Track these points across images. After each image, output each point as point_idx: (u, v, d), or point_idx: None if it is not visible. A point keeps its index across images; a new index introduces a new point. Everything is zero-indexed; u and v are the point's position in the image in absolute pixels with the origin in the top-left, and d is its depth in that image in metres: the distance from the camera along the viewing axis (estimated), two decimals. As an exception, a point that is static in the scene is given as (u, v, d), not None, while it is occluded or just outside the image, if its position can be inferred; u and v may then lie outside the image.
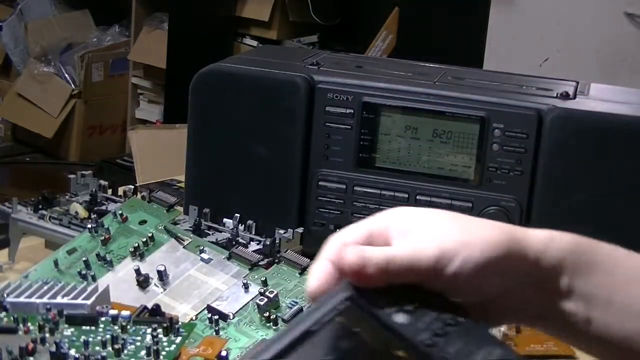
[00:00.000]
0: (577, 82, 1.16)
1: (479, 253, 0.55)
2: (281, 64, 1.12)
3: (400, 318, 0.54)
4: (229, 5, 3.28)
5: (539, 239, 0.57)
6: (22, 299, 0.86)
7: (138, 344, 0.81)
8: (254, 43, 3.27)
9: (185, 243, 0.99)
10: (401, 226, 0.57)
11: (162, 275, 0.94)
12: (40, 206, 1.09)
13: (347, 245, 0.56)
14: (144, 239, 0.99)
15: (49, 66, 3.75)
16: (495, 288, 0.56)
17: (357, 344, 0.53)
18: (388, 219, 0.58)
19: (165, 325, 0.82)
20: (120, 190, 1.17)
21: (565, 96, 1.07)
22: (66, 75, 3.75)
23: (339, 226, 1.08)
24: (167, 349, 0.80)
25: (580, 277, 0.57)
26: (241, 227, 1.06)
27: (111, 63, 3.77)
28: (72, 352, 0.78)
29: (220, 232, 1.05)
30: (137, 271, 0.95)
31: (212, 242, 1.00)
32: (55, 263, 0.97)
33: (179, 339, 0.82)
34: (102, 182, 1.15)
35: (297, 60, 1.16)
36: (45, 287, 0.89)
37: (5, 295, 0.87)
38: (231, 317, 0.88)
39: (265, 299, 0.87)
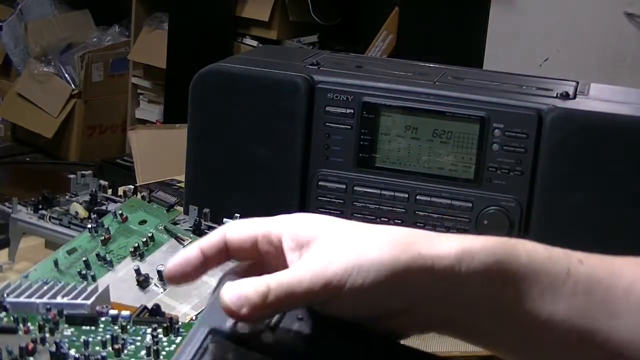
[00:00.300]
0: (577, 82, 1.16)
1: (373, 273, 0.52)
2: (281, 64, 1.12)
3: (267, 337, 0.53)
4: (229, 5, 3.28)
5: (449, 253, 0.53)
6: (22, 299, 0.86)
7: (138, 344, 0.81)
8: (254, 43, 3.28)
9: (185, 243, 0.99)
10: (297, 236, 0.56)
11: (162, 275, 0.94)
12: (40, 206, 1.09)
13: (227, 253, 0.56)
14: (144, 239, 0.99)
15: (49, 66, 3.75)
16: (395, 303, 0.53)
17: None
18: (282, 226, 0.57)
19: (165, 325, 0.82)
20: (120, 190, 1.17)
21: (565, 96, 1.07)
22: (66, 75, 3.75)
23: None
24: (167, 349, 0.80)
25: (499, 289, 0.53)
26: (241, 227, 1.05)
27: (111, 63, 3.77)
28: (72, 352, 0.78)
29: (220, 232, 1.05)
30: (137, 271, 0.95)
31: (212, 242, 1.00)
32: (55, 263, 0.97)
33: (179, 339, 0.82)
34: (102, 182, 1.15)
35: (297, 60, 1.16)
36: (45, 287, 0.89)
37: (5, 295, 0.87)
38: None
39: (265, 299, 0.86)
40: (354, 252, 0.53)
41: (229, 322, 0.53)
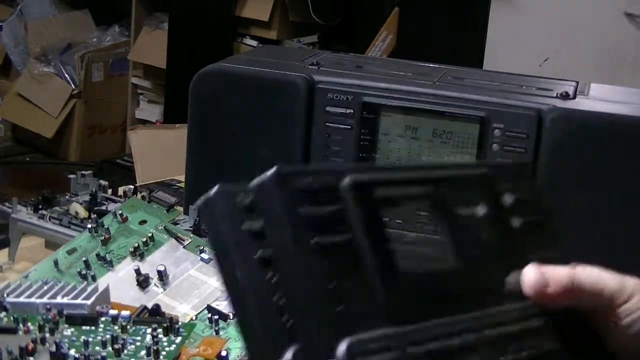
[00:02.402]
0: (577, 82, 1.16)
1: None
2: (281, 64, 1.12)
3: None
4: (229, 5, 3.28)
5: None
6: (22, 299, 0.86)
7: (138, 344, 0.81)
8: (254, 43, 3.27)
9: (185, 243, 0.99)
10: None
11: (162, 275, 0.94)
12: (40, 206, 1.09)
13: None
14: (144, 239, 0.99)
15: (49, 66, 3.75)
16: None
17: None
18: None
19: (165, 325, 0.82)
20: (120, 190, 1.17)
21: (565, 96, 1.07)
22: (66, 75, 3.75)
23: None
24: (167, 349, 0.80)
25: None
26: (241, 227, 1.05)
27: (111, 63, 3.77)
28: (72, 352, 0.78)
29: (220, 232, 1.05)
30: (137, 271, 0.95)
31: (212, 242, 0.99)
32: (55, 263, 0.97)
33: (179, 339, 0.82)
34: (102, 182, 1.15)
35: (297, 60, 1.16)
36: (45, 287, 0.89)
37: (5, 295, 0.87)
38: (231, 317, 0.88)
39: (265, 299, 0.86)
40: None
41: None
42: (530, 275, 0.54)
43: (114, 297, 0.90)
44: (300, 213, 0.47)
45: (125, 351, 0.79)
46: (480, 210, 0.56)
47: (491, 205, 0.56)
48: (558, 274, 0.54)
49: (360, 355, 0.45)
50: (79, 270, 0.96)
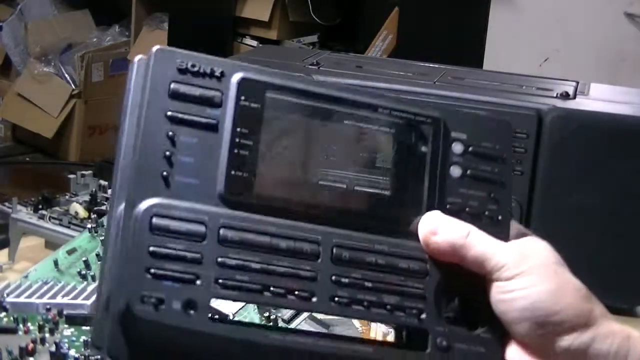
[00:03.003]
0: (577, 82, 1.16)
1: (544, 294, 0.52)
2: (281, 64, 1.12)
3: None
4: (229, 5, 3.28)
5: (608, 330, 0.53)
6: (22, 299, 0.86)
7: (138, 344, 0.81)
8: (254, 43, 3.27)
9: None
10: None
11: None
12: (40, 206, 1.09)
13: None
14: (144, 239, 0.98)
15: (49, 66, 3.75)
16: (529, 329, 0.52)
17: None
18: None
19: (165, 325, 0.82)
20: (120, 190, 1.17)
21: (565, 96, 1.07)
22: (66, 75, 3.75)
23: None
24: (167, 349, 0.80)
25: None
26: (241, 227, 1.05)
27: (111, 63, 3.77)
28: (72, 352, 0.78)
29: (220, 232, 1.05)
30: (137, 271, 0.94)
31: (212, 242, 1.00)
32: (55, 263, 0.97)
33: (179, 339, 0.82)
34: (102, 182, 1.15)
35: (297, 60, 1.16)
36: (45, 287, 0.89)
37: (5, 295, 0.87)
38: (231, 317, 0.88)
39: (265, 299, 0.86)
40: (556, 274, 0.53)
41: None
42: (427, 218, 0.53)
43: (114, 297, 0.90)
44: (169, 87, 0.50)
45: (125, 351, 0.79)
46: (418, 148, 0.55)
47: (435, 147, 0.55)
48: (451, 228, 0.53)
49: (160, 217, 0.46)
50: (79, 270, 0.96)
